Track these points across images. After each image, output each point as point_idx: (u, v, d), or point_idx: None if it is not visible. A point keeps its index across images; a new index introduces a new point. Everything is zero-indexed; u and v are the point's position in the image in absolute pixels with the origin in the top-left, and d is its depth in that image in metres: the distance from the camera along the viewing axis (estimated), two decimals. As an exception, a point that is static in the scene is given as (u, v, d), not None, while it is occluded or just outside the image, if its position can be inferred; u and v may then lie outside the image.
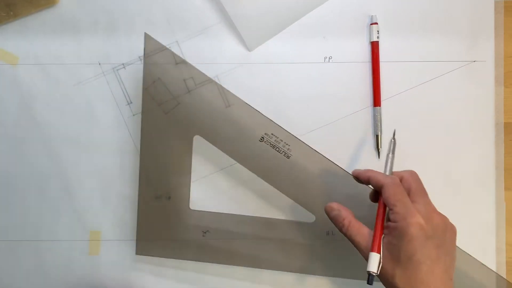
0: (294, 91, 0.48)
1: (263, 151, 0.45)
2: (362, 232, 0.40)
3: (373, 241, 0.39)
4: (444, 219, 0.39)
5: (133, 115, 0.48)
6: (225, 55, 0.48)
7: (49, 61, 0.48)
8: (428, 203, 0.39)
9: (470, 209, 0.48)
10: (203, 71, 0.48)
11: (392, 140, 0.43)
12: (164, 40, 0.48)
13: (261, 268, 0.47)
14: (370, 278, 0.38)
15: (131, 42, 0.48)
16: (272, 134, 0.45)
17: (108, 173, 0.48)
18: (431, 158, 0.48)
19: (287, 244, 0.46)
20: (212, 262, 0.47)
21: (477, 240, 0.48)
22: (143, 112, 0.46)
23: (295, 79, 0.48)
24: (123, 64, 0.48)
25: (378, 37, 0.48)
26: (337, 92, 0.48)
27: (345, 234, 0.40)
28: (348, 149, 0.48)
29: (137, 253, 0.47)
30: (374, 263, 0.38)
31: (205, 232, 0.47)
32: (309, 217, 0.46)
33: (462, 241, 0.48)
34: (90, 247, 0.48)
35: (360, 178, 0.42)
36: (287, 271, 0.47)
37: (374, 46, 0.48)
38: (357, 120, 0.48)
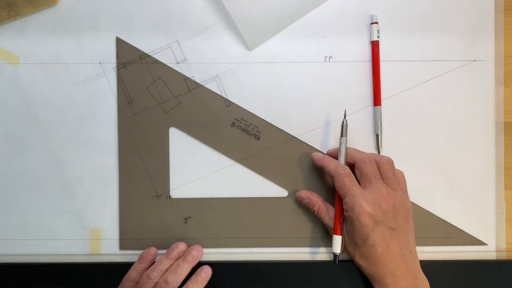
0: (294, 90, 0.48)
1: (234, 135, 0.48)
2: (329, 215, 0.45)
3: (334, 225, 0.43)
4: (393, 202, 0.41)
5: (134, 114, 0.48)
6: (225, 54, 0.48)
7: (50, 60, 0.48)
8: (378, 188, 0.41)
9: (470, 208, 0.48)
10: (204, 71, 0.48)
11: (344, 122, 0.44)
12: (164, 40, 0.48)
13: (243, 247, 0.48)
14: (335, 258, 0.43)
15: (131, 41, 0.48)
16: (242, 119, 0.48)
17: (108, 172, 0.48)
18: (431, 157, 0.48)
19: (265, 219, 0.48)
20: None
21: (477, 239, 0.48)
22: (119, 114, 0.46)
23: (296, 78, 0.48)
24: (123, 63, 0.48)
25: (378, 37, 0.48)
26: (337, 91, 0.48)
27: (317, 216, 0.46)
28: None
29: (120, 248, 0.48)
30: (337, 244, 0.43)
31: (186, 219, 0.48)
32: (282, 193, 0.48)
33: (462, 240, 0.48)
34: (90, 246, 0.48)
35: (315, 163, 0.46)
36: (268, 246, 0.48)
37: (374, 46, 0.48)
38: (357, 119, 0.48)
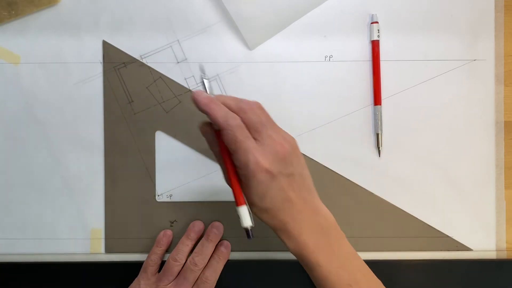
0: (295, 90, 0.48)
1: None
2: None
3: (234, 191, 0.37)
4: (286, 146, 0.36)
5: (134, 113, 0.48)
6: (226, 54, 0.48)
7: (51, 60, 0.48)
8: (269, 136, 0.36)
9: (471, 207, 0.48)
10: (204, 70, 0.48)
11: (202, 76, 0.38)
12: (165, 39, 0.48)
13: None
14: (248, 233, 0.37)
15: (132, 41, 0.48)
16: None
17: (109, 172, 0.48)
18: (431, 156, 0.48)
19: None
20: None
21: (477, 238, 0.48)
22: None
23: (296, 78, 0.48)
24: (124, 63, 0.48)
25: (378, 36, 0.48)
26: (337, 90, 0.48)
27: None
28: (348, 147, 0.48)
29: (106, 252, 0.48)
30: (245, 217, 0.37)
31: (172, 222, 0.48)
32: None
33: (463, 239, 0.48)
34: (91, 245, 0.48)
35: (198, 107, 0.36)
36: (256, 250, 0.48)
37: (375, 45, 0.48)
38: (358, 118, 0.48)
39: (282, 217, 0.36)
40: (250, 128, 0.36)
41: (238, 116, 0.36)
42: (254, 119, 0.36)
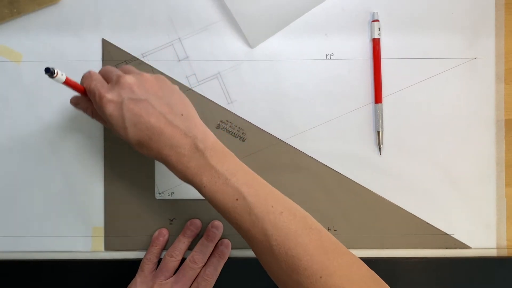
0: (296, 88, 0.49)
1: (220, 137, 0.47)
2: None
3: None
4: (131, 77, 0.39)
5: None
6: (227, 52, 0.48)
7: (52, 58, 0.48)
8: (118, 75, 0.39)
9: (471, 205, 0.48)
10: (205, 68, 0.48)
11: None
12: (166, 38, 0.48)
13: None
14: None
15: (133, 39, 0.48)
16: (227, 120, 0.48)
17: (109, 170, 0.48)
18: (432, 154, 0.49)
19: None
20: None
21: (478, 236, 0.48)
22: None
23: (297, 76, 0.48)
24: (125, 61, 0.48)
25: (379, 34, 0.48)
26: (338, 89, 0.49)
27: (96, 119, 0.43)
28: (349, 146, 0.48)
29: (105, 249, 0.48)
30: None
31: (171, 220, 0.48)
32: None
33: (463, 237, 0.49)
34: (92, 243, 0.48)
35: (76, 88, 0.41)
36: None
37: (376, 43, 0.48)
38: (359, 116, 0.48)
39: (156, 146, 0.38)
40: (105, 79, 0.40)
41: (85, 88, 0.40)
42: (107, 69, 0.41)
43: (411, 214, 0.48)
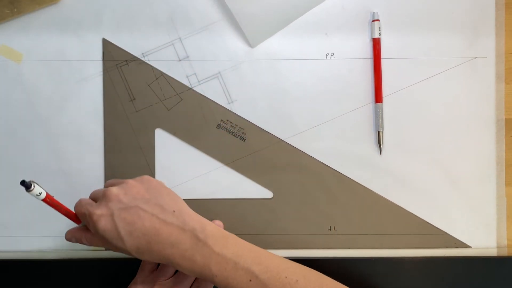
0: (296, 87, 0.49)
1: (220, 137, 0.48)
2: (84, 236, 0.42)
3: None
4: (114, 190, 0.39)
5: (136, 111, 0.48)
6: (227, 51, 0.48)
7: (53, 57, 0.48)
8: (103, 193, 0.39)
9: (471, 205, 0.49)
10: (206, 68, 0.48)
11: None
12: (167, 37, 0.48)
13: None
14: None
15: (134, 39, 0.48)
16: (227, 120, 0.48)
17: (109, 169, 0.48)
18: (432, 154, 0.49)
19: (249, 221, 0.48)
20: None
21: (478, 235, 0.48)
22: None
23: (297, 75, 0.49)
24: (126, 60, 0.48)
25: (379, 34, 0.48)
26: (339, 88, 0.49)
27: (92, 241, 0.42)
28: (349, 145, 0.48)
29: (106, 248, 0.47)
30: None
31: None
32: (267, 194, 0.48)
33: (463, 237, 0.49)
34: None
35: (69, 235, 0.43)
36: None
37: (376, 43, 0.48)
38: (359, 116, 0.48)
39: (156, 249, 0.38)
40: (93, 200, 0.41)
41: (77, 213, 0.41)
42: (94, 192, 0.42)
43: (411, 213, 0.48)
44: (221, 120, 0.48)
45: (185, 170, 0.49)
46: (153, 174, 0.48)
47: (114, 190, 0.39)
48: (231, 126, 0.48)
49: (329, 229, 0.48)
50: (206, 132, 0.48)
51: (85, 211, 0.39)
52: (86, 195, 0.48)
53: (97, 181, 0.48)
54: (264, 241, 0.48)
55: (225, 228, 0.47)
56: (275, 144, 0.48)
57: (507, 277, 0.47)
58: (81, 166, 0.48)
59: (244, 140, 0.48)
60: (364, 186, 0.48)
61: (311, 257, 0.48)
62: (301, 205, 0.48)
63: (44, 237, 0.48)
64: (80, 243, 0.42)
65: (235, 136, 0.48)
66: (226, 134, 0.48)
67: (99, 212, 0.38)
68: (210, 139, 0.48)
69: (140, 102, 0.48)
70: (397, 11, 0.48)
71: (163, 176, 0.48)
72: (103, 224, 0.38)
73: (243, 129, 0.48)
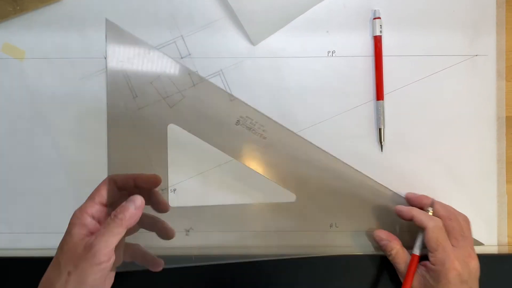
0: (298, 85, 0.49)
1: (239, 134, 0.45)
2: (406, 262, 0.43)
3: (406, 279, 0.42)
4: (477, 263, 0.41)
5: (139, 108, 0.49)
6: (229, 49, 0.49)
7: (55, 55, 0.48)
8: (465, 246, 0.42)
9: (472, 202, 0.49)
10: (208, 66, 0.49)
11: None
12: (169, 35, 0.48)
13: (251, 259, 0.46)
14: None
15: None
16: (247, 117, 0.45)
17: (112, 167, 0.48)
18: (433, 152, 0.49)
19: (271, 229, 0.47)
20: (199, 263, 0.45)
21: (479, 233, 0.48)
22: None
23: (299, 73, 0.49)
24: (128, 58, 0.48)
25: (381, 32, 0.48)
26: (340, 86, 0.49)
27: (390, 260, 0.45)
28: (351, 143, 0.49)
29: (117, 270, 0.42)
30: None
31: (188, 231, 0.46)
32: (290, 197, 0.46)
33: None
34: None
35: (403, 216, 0.44)
36: (276, 257, 0.47)
37: (377, 41, 0.48)
38: (360, 113, 0.49)
39: None
40: (449, 233, 0.42)
41: (445, 222, 0.42)
42: (456, 227, 0.42)
43: (413, 211, 0.48)
44: (240, 117, 0.47)
45: (186, 168, 0.49)
46: (156, 171, 0.48)
47: (469, 258, 0.41)
48: (250, 123, 0.46)
49: (331, 226, 0.48)
50: (226, 129, 0.46)
51: (443, 241, 0.41)
52: (88, 193, 0.48)
53: (99, 179, 0.48)
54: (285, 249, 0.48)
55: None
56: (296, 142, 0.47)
57: (508, 275, 0.47)
58: (83, 163, 0.48)
59: (265, 138, 0.47)
60: (365, 183, 0.48)
61: (312, 255, 0.48)
62: (301, 203, 0.48)
63: (45, 234, 0.49)
64: (383, 248, 0.45)
65: (255, 134, 0.46)
66: (244, 130, 0.47)
67: (456, 263, 0.40)
68: (229, 135, 0.45)
69: (142, 99, 0.48)
70: (398, 9, 0.49)
71: (170, 175, 0.48)
72: (450, 274, 0.40)
73: (263, 126, 0.46)
